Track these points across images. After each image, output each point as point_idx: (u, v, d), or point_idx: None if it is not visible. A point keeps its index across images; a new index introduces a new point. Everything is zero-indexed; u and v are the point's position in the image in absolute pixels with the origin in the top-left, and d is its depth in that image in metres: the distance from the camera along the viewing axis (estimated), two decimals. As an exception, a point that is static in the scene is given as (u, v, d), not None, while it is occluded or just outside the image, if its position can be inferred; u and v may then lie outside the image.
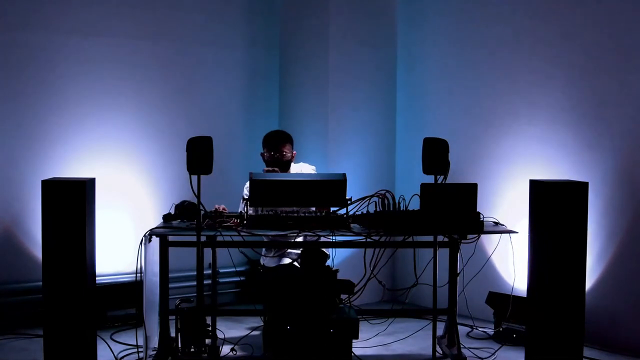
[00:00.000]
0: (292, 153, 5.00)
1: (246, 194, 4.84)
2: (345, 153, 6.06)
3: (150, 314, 4.39)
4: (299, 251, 4.77)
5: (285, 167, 4.94)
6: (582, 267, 4.11)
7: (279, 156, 4.91)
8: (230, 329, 5.09)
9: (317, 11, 6.10)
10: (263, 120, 6.35)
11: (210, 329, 4.51)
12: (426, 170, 4.38)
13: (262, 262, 4.98)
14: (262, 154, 5.01)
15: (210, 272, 4.79)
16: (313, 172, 5.06)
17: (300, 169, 5.07)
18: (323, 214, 4.34)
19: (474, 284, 4.91)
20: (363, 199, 4.33)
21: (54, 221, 3.90)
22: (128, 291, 5.30)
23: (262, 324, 4.63)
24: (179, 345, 4.42)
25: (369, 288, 4.43)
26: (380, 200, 4.27)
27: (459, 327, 4.75)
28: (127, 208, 5.67)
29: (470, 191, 4.19)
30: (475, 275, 4.85)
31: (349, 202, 4.30)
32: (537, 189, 4.15)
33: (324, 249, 4.61)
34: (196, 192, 4.16)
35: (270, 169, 4.86)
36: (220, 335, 4.74)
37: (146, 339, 4.26)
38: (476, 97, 5.73)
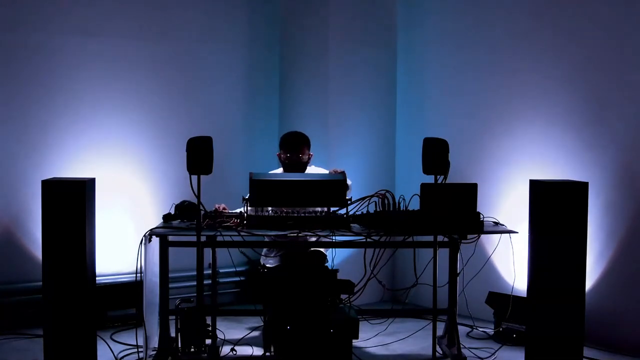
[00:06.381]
0: (309, 155, 4.97)
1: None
2: (345, 153, 6.05)
3: (150, 314, 4.39)
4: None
5: (302, 169, 4.92)
6: (582, 267, 4.11)
7: (296, 158, 4.88)
8: (230, 329, 5.09)
9: (317, 11, 6.10)
10: (263, 120, 6.35)
11: (210, 329, 4.51)
12: (426, 170, 4.38)
13: (262, 262, 4.97)
14: (278, 155, 4.98)
15: (210, 272, 4.79)
16: None
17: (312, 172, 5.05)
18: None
19: (474, 284, 4.91)
20: (363, 199, 4.33)
21: (54, 221, 3.90)
22: (128, 291, 5.30)
23: (262, 324, 4.63)
24: (179, 345, 4.42)
25: (369, 288, 4.42)
26: (380, 200, 4.27)
27: (459, 327, 4.74)
28: (127, 208, 5.67)
29: (470, 191, 4.19)
30: (475, 275, 4.84)
31: (349, 202, 4.30)
32: (537, 189, 4.15)
33: (318, 250, 4.60)
34: (196, 192, 4.16)
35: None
36: (220, 335, 4.73)
37: (146, 339, 4.26)
38: (476, 97, 5.73)
